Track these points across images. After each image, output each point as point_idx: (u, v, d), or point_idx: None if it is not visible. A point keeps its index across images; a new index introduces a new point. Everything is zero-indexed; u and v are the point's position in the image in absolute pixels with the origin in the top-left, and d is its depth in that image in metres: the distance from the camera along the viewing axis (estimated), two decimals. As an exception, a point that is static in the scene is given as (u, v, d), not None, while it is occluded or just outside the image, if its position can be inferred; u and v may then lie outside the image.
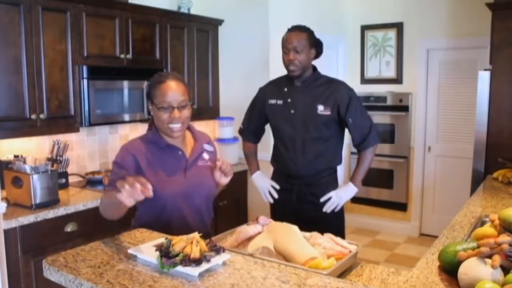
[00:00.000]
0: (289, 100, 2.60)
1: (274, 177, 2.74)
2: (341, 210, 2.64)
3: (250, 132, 2.87)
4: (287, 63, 2.54)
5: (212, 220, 2.10)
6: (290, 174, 2.63)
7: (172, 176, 1.91)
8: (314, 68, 2.64)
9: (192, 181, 1.95)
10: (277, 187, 2.68)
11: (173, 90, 1.86)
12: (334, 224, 2.53)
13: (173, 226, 1.86)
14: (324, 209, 2.54)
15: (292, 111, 2.59)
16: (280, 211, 2.66)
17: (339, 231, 2.57)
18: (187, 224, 1.88)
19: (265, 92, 2.75)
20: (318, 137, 2.55)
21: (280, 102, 2.64)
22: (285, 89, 2.64)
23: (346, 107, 2.53)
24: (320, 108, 2.53)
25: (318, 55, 2.62)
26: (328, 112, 2.53)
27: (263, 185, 2.72)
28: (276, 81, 2.75)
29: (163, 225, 1.85)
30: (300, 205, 2.60)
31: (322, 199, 2.55)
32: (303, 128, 2.56)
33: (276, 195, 2.68)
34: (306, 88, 2.59)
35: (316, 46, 2.58)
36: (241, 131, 2.93)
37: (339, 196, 2.56)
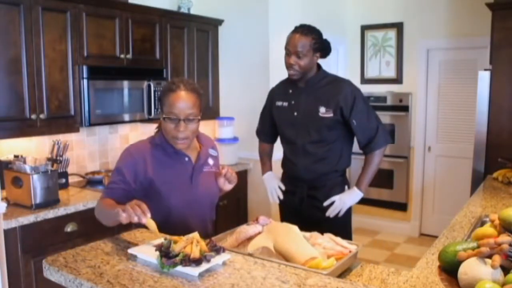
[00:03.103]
0: (292, 102, 2.53)
1: (282, 179, 2.69)
2: (348, 214, 2.55)
3: (264, 133, 2.81)
4: (287, 66, 2.45)
5: (213, 223, 2.10)
6: (293, 176, 2.59)
7: (178, 184, 1.91)
8: (319, 67, 2.53)
9: (198, 190, 1.95)
10: (283, 188, 2.63)
11: (182, 101, 1.82)
12: (339, 227, 2.41)
13: (176, 233, 1.85)
14: (327, 214, 2.46)
15: (295, 114, 2.51)
16: (287, 213, 2.65)
17: (345, 234, 2.47)
18: (190, 230, 1.87)
19: (272, 94, 2.69)
20: (319, 140, 2.46)
21: (285, 104, 2.56)
22: (290, 91, 2.55)
23: (350, 108, 2.40)
24: (322, 110, 2.42)
25: (324, 56, 2.50)
26: (330, 115, 2.41)
27: (270, 185, 2.68)
28: (284, 82, 2.65)
29: (166, 232, 1.84)
30: (304, 207, 2.55)
31: (325, 203, 2.47)
32: (305, 131, 2.48)
33: (281, 196, 2.64)
34: (309, 89, 2.49)
35: (322, 49, 2.45)
36: (257, 132, 2.87)
37: (343, 201, 2.46)
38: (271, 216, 3.57)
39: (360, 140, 2.48)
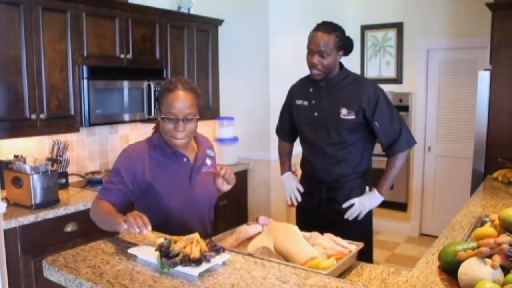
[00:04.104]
0: (313, 101, 2.43)
1: (301, 179, 2.59)
2: (369, 217, 2.46)
3: (284, 131, 2.71)
4: (310, 66, 2.35)
5: (212, 224, 2.10)
6: (312, 177, 2.50)
7: (178, 185, 1.91)
8: (341, 66, 2.45)
9: (197, 190, 1.95)
10: (302, 190, 2.53)
11: (181, 101, 1.81)
12: (360, 231, 2.33)
13: (176, 233, 1.85)
14: (346, 216, 2.37)
15: (316, 114, 2.41)
16: (304, 215, 2.56)
17: (366, 239, 2.39)
18: (190, 231, 1.87)
19: (293, 92, 2.59)
20: (339, 142, 2.37)
21: (305, 103, 2.46)
22: (311, 90, 2.45)
23: (373, 110, 2.31)
24: (344, 112, 2.32)
25: (347, 54, 2.42)
26: (352, 117, 2.32)
27: (289, 187, 2.58)
28: (305, 80, 2.55)
29: (166, 232, 1.83)
30: (323, 210, 2.45)
31: (345, 205, 2.38)
32: (325, 132, 2.38)
33: (299, 198, 2.54)
34: (331, 89, 2.39)
35: (345, 47, 2.37)
36: (276, 130, 2.77)
37: (362, 204, 2.37)
38: (271, 216, 3.58)
39: (383, 143, 2.39)
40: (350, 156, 2.39)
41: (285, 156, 2.73)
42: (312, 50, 2.31)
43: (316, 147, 2.43)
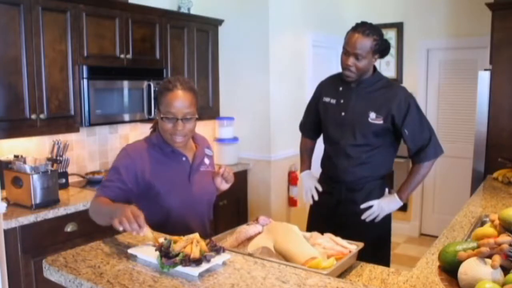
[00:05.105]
0: (341, 101, 2.39)
1: (320, 178, 2.56)
2: (388, 220, 2.44)
3: (308, 128, 2.67)
4: (343, 66, 2.31)
5: (211, 223, 2.10)
6: (332, 177, 2.46)
7: (177, 184, 1.91)
8: (375, 68, 2.40)
9: (196, 188, 1.95)
10: (320, 189, 2.50)
11: (180, 100, 1.81)
12: (378, 233, 2.35)
13: (175, 233, 1.85)
14: (363, 217, 2.34)
15: (343, 114, 2.37)
16: (317, 214, 2.53)
17: (384, 242, 2.42)
18: (189, 230, 1.87)
19: (322, 88, 2.55)
20: (364, 144, 2.34)
21: (333, 101, 2.43)
22: (340, 88, 2.42)
23: (403, 117, 2.29)
24: (372, 116, 2.29)
25: (382, 57, 2.37)
26: (380, 122, 2.29)
27: (306, 185, 2.55)
28: (334, 78, 2.51)
29: (166, 232, 1.84)
30: (341, 210, 2.41)
31: (363, 206, 2.35)
32: (350, 133, 2.35)
33: (316, 197, 2.51)
34: (361, 91, 2.35)
35: (382, 51, 2.31)
36: (300, 126, 2.74)
37: (381, 207, 2.34)
38: (271, 216, 3.58)
39: (411, 150, 2.37)
40: (373, 159, 2.36)
41: (306, 154, 2.70)
42: (348, 51, 2.27)
43: (340, 147, 2.40)
